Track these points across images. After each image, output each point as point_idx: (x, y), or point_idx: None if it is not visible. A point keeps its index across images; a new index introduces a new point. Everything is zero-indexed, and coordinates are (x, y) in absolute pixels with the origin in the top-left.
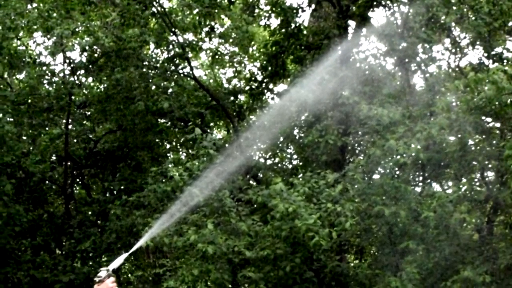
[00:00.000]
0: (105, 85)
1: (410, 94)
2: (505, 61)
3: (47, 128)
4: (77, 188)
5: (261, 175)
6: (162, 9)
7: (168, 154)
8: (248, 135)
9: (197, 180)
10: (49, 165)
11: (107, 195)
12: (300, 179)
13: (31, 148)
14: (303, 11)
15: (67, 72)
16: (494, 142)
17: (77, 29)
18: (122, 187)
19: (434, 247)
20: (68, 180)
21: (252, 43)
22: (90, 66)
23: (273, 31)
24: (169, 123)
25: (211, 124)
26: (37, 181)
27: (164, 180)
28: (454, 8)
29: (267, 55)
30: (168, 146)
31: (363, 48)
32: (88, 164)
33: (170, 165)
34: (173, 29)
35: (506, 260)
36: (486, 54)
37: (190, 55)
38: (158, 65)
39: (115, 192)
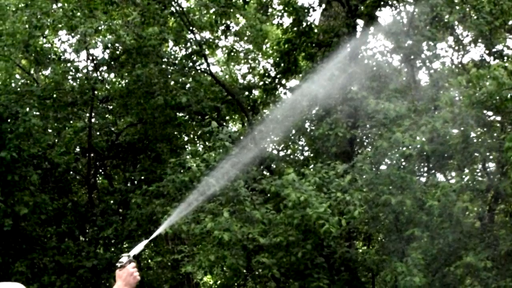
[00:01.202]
0: (126, 81)
1: (415, 89)
2: (505, 58)
3: (71, 122)
4: (100, 178)
5: (274, 166)
6: (181, 9)
7: (186, 146)
8: (262, 128)
9: (213, 171)
10: (73, 157)
11: (128, 185)
12: (311, 169)
13: (56, 140)
14: (314, 10)
15: (90, 68)
16: (495, 134)
17: (100, 28)
18: (142, 177)
19: (438, 234)
20: (91, 170)
21: (266, 40)
22: (112, 62)
23: (286, 29)
24: (187, 116)
25: (227, 117)
26: (62, 172)
27: (182, 171)
28: (457, 7)
29: (280, 52)
30: (186, 138)
31: (370, 45)
32: (110, 156)
33: (188, 157)
34: (191, 28)
35: (507, 247)
36: (487, 51)
37: (207, 52)
38: (176, 61)
39: (135, 182)
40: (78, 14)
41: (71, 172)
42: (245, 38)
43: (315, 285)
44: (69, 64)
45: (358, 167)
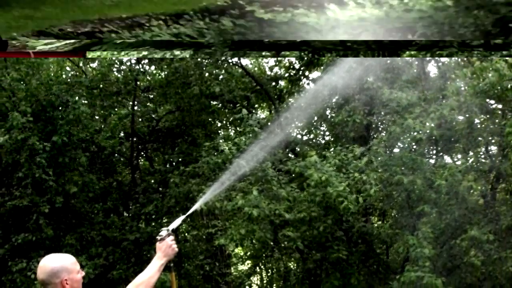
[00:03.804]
0: (166, 73)
1: (425, 80)
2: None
3: (116, 109)
4: (142, 160)
5: (298, 149)
6: None
7: (219, 131)
8: (287, 115)
9: (244, 153)
10: (118, 141)
11: (167, 166)
12: (332, 152)
13: (102, 126)
14: None
15: (133, 61)
16: (497, 121)
17: None
18: (180, 159)
19: (445, 210)
20: (134, 153)
21: None
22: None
23: None
24: (220, 104)
25: (256, 105)
26: (108, 154)
27: (216, 153)
28: None
29: None
30: (219, 124)
31: None
32: (151, 140)
33: (221, 141)
34: None
35: (507, 221)
36: None
37: None
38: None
39: (174, 163)
40: None
41: (116, 155)
42: None
43: (335, 256)
44: (114, 58)
45: (374, 150)
